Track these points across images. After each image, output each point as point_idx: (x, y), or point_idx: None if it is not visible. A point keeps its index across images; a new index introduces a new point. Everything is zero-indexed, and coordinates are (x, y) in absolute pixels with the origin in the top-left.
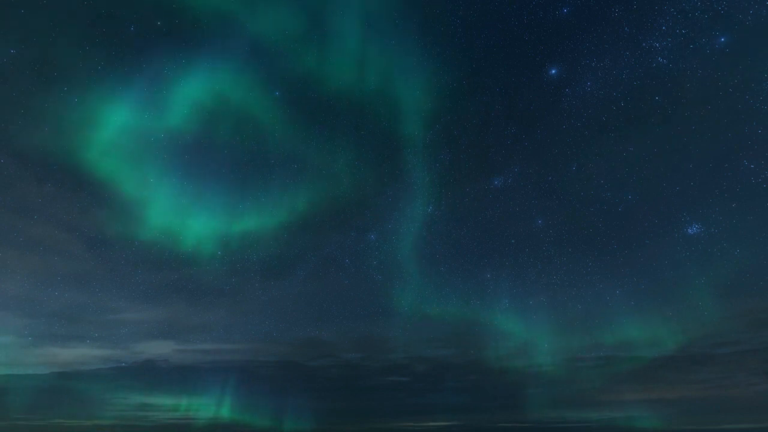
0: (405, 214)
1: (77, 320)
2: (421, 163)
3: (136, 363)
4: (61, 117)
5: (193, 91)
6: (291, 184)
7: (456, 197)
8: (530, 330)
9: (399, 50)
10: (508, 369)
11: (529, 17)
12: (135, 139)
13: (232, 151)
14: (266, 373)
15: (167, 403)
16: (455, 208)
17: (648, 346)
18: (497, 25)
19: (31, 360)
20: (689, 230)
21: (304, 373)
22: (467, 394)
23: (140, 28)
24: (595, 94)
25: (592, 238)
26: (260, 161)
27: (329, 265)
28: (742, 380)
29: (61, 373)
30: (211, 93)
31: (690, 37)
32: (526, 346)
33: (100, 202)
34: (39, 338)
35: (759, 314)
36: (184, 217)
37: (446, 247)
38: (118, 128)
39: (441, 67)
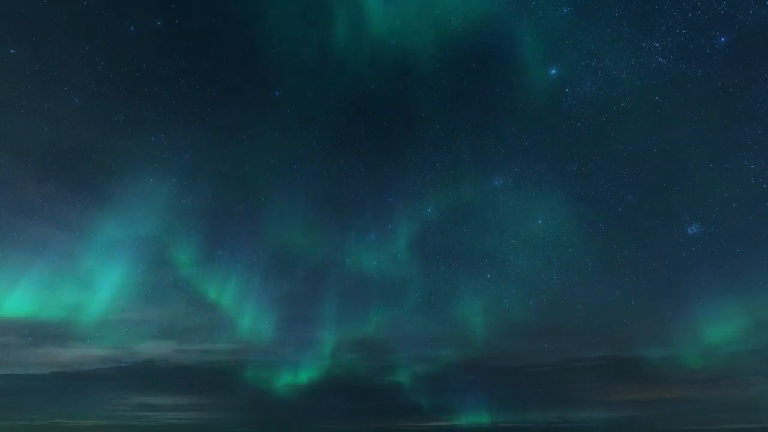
0: (405, 214)
1: (77, 320)
2: (421, 162)
3: (136, 363)
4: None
5: None
6: (291, 184)
7: (456, 197)
8: (530, 330)
9: (398, 50)
10: (508, 369)
11: (529, 17)
12: None
13: (232, 151)
14: (266, 373)
15: (167, 403)
16: (455, 208)
17: (648, 346)
18: (497, 25)
19: (31, 360)
20: (689, 230)
21: (304, 373)
22: (467, 394)
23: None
24: (595, 94)
25: (592, 238)
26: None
27: (329, 265)
28: (742, 380)
29: (61, 373)
30: None
31: (690, 37)
32: (525, 346)
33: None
34: (39, 338)
35: (759, 314)
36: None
37: (446, 247)
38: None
39: (441, 67)
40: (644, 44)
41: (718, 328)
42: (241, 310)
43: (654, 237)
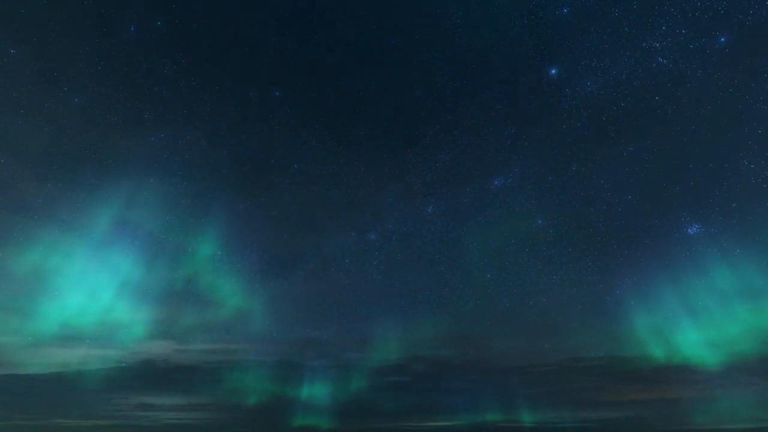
0: (405, 214)
1: (77, 320)
2: (421, 162)
3: (136, 363)
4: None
5: None
6: (290, 185)
7: (456, 197)
8: (530, 330)
9: (399, 50)
10: (508, 369)
11: (529, 17)
12: None
13: (232, 151)
14: (266, 373)
15: (167, 403)
16: (455, 208)
17: (648, 346)
18: (497, 25)
19: (31, 360)
20: (689, 230)
21: (304, 373)
22: (467, 394)
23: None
24: (595, 94)
25: (592, 238)
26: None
27: (329, 265)
28: (743, 380)
29: (61, 373)
30: None
31: (690, 37)
32: (525, 346)
33: (100, 202)
34: (39, 338)
35: (759, 314)
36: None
37: (446, 247)
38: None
39: (441, 67)
40: (644, 44)
41: (718, 327)
42: (241, 309)
43: (654, 237)
